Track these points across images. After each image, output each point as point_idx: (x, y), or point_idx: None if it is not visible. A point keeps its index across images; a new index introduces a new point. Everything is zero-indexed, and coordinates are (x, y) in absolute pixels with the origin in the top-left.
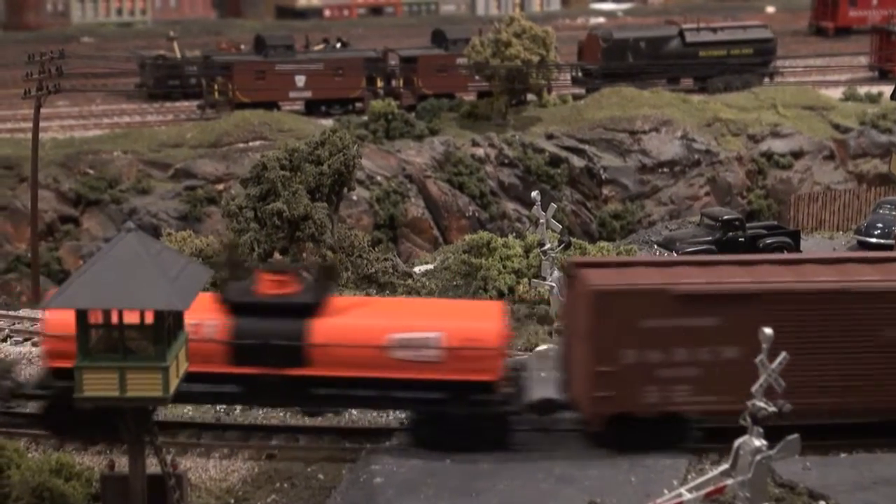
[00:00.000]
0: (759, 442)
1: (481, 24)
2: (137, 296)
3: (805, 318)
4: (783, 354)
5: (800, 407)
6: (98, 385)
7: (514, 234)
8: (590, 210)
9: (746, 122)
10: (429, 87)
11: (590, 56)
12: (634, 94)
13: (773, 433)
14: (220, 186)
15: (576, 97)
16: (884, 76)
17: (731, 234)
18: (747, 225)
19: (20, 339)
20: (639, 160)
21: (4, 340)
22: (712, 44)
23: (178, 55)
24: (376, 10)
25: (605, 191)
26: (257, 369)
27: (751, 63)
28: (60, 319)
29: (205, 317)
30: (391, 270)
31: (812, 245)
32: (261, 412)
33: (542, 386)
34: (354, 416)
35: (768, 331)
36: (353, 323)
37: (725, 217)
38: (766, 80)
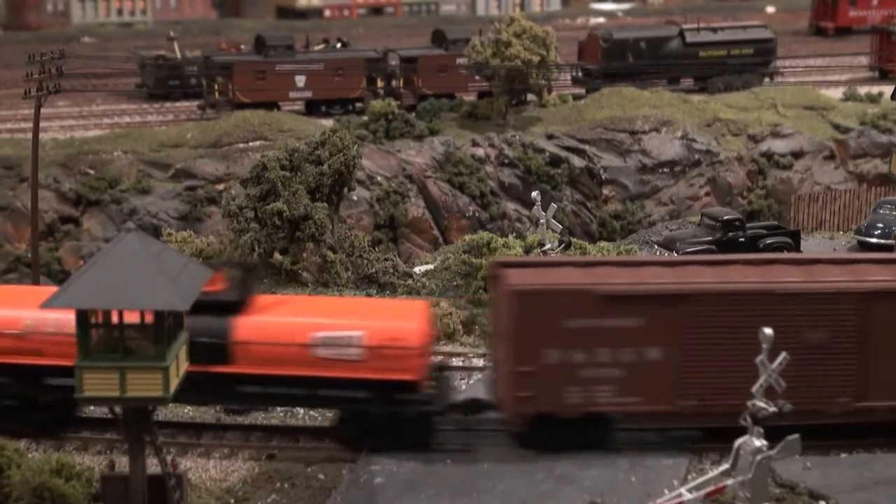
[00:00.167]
0: (759, 442)
1: (481, 25)
2: (138, 296)
3: (727, 320)
4: (783, 354)
5: (724, 409)
6: (98, 385)
7: (514, 235)
8: (590, 210)
9: (747, 123)
10: (429, 87)
11: (590, 56)
12: (635, 94)
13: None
14: (221, 186)
15: (576, 97)
16: (884, 76)
17: (731, 234)
18: (747, 225)
19: None
20: (639, 160)
21: None
22: (712, 44)
23: (179, 55)
24: (376, 11)
25: (606, 191)
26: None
27: (751, 63)
28: None
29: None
30: (391, 271)
31: (812, 245)
32: (261, 413)
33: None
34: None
35: (768, 331)
36: (276, 321)
37: (726, 217)
38: (767, 80)
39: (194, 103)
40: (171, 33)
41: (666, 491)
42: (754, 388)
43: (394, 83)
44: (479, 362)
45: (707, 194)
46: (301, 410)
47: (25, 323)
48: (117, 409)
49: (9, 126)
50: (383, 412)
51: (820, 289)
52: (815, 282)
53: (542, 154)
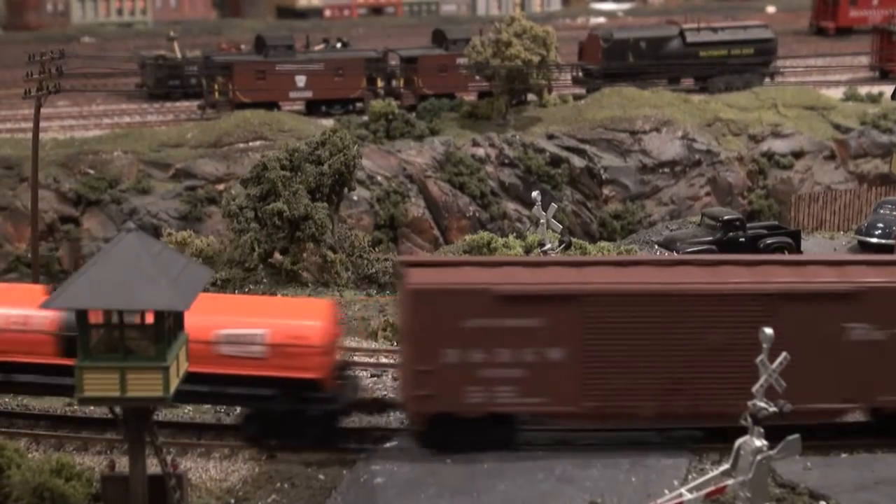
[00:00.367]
0: (759, 442)
1: (482, 24)
2: (138, 296)
3: (628, 321)
4: (784, 354)
5: (624, 411)
6: (99, 385)
7: (514, 235)
8: (590, 210)
9: (747, 123)
10: (429, 87)
11: (590, 56)
12: (635, 94)
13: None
14: (221, 186)
15: (576, 97)
16: (884, 76)
17: (731, 234)
18: (748, 225)
19: None
20: (639, 160)
21: None
22: (713, 44)
23: (179, 55)
24: (377, 11)
25: (606, 191)
26: None
27: (751, 63)
28: None
29: (35, 309)
30: (391, 270)
31: (813, 245)
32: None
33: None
34: (355, 417)
35: (769, 331)
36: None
37: (726, 217)
38: (767, 80)
39: (194, 103)
40: (172, 33)
41: (666, 491)
42: (754, 389)
43: (394, 83)
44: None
45: (707, 194)
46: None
47: None
48: (117, 410)
49: (9, 126)
50: (287, 410)
51: (722, 290)
52: (717, 283)
53: (542, 154)
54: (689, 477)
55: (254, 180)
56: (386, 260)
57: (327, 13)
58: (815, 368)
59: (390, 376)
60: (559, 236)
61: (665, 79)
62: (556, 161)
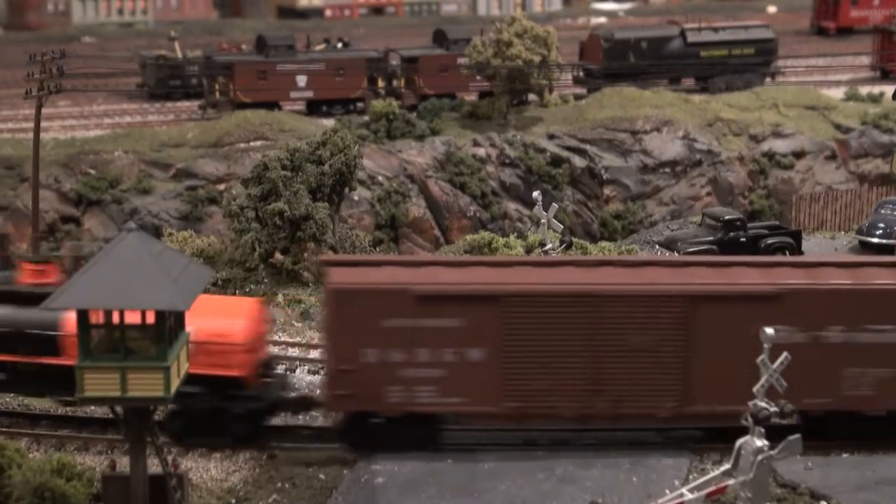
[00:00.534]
0: (760, 442)
1: (482, 24)
2: (139, 296)
3: (549, 321)
4: (784, 354)
5: (544, 411)
6: (99, 385)
7: (515, 235)
8: (591, 210)
9: (748, 122)
10: (430, 87)
11: (591, 56)
12: (636, 94)
13: None
14: (222, 186)
15: (577, 97)
16: (885, 76)
17: (732, 234)
18: (749, 225)
19: None
20: (640, 160)
21: None
22: (714, 44)
23: (180, 55)
24: (377, 10)
25: (607, 191)
26: (15, 357)
27: (752, 63)
28: None
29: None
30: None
31: (814, 245)
32: None
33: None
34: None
35: (770, 330)
36: None
37: (727, 217)
38: (768, 80)
39: (195, 103)
40: (172, 33)
41: (667, 491)
42: (755, 389)
43: (395, 83)
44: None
45: (708, 194)
46: None
47: None
48: (118, 409)
49: (10, 126)
50: (210, 407)
51: (641, 291)
52: (635, 284)
53: (543, 154)
54: (690, 477)
55: (254, 180)
56: None
57: (328, 13)
58: (737, 370)
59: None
60: (560, 236)
61: (666, 79)
62: (556, 161)
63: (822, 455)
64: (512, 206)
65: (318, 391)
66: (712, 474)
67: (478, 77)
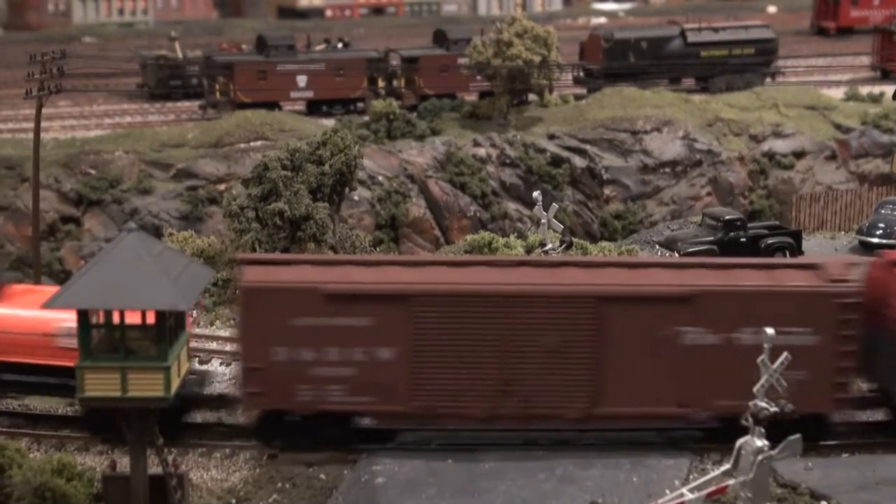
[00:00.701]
0: (760, 442)
1: (483, 24)
2: (139, 296)
3: (458, 322)
4: (785, 354)
5: (453, 411)
6: (100, 385)
7: (515, 235)
8: (591, 210)
9: (748, 122)
10: (430, 87)
11: (591, 56)
12: (636, 94)
13: None
14: (222, 186)
15: (577, 97)
16: (886, 76)
17: (732, 234)
18: (749, 225)
19: None
20: (640, 160)
21: None
22: (714, 44)
23: (180, 55)
24: (378, 11)
25: (607, 191)
26: None
27: (752, 63)
28: None
29: None
30: None
31: (814, 245)
32: None
33: None
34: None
35: (770, 331)
36: (22, 311)
37: (727, 217)
38: (768, 80)
39: (195, 103)
40: (173, 33)
41: (667, 491)
42: (755, 389)
43: (395, 83)
44: None
45: (708, 194)
46: None
47: None
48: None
49: (10, 126)
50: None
51: (549, 292)
52: (544, 285)
53: (543, 154)
54: (691, 477)
55: (255, 180)
56: None
57: (328, 13)
58: (647, 372)
59: None
60: (560, 236)
61: (666, 79)
62: (557, 161)
63: (823, 455)
64: (512, 207)
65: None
66: (712, 474)
67: (478, 77)
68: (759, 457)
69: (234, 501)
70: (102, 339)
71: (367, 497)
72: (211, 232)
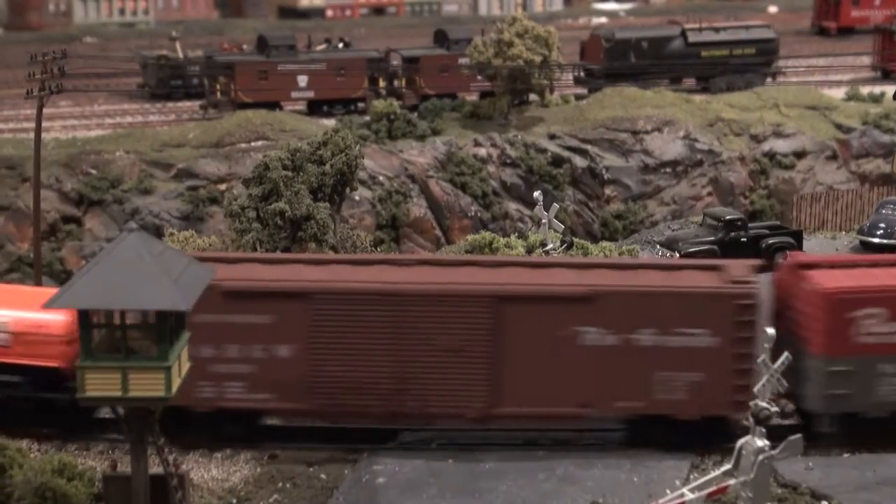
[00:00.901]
0: (761, 442)
1: (483, 24)
2: (140, 296)
3: (357, 320)
4: (785, 354)
5: (352, 409)
6: (101, 385)
7: (516, 235)
8: (592, 210)
9: (749, 122)
10: (431, 87)
11: (592, 56)
12: (637, 94)
13: None
14: (223, 186)
15: (578, 97)
16: (886, 76)
17: (733, 234)
18: (750, 225)
19: None
20: (641, 160)
21: None
22: (714, 44)
23: (181, 55)
24: (378, 11)
25: (608, 191)
26: None
27: (753, 63)
28: None
29: None
30: None
31: (815, 245)
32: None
33: None
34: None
35: (770, 331)
36: None
37: (728, 217)
38: (769, 80)
39: (196, 103)
40: (173, 33)
41: (668, 491)
42: (756, 388)
43: (396, 83)
44: None
45: (709, 194)
46: None
47: None
48: (119, 409)
49: (11, 126)
50: (31, 397)
51: (446, 291)
52: (442, 284)
53: (544, 154)
54: (691, 477)
55: (255, 180)
56: None
57: (329, 13)
58: (547, 372)
59: None
60: (561, 236)
61: (667, 79)
62: (557, 161)
63: (823, 455)
64: (513, 206)
65: None
66: (713, 474)
67: (479, 77)
68: (760, 457)
69: (234, 501)
70: (103, 338)
71: (368, 497)
72: (212, 232)
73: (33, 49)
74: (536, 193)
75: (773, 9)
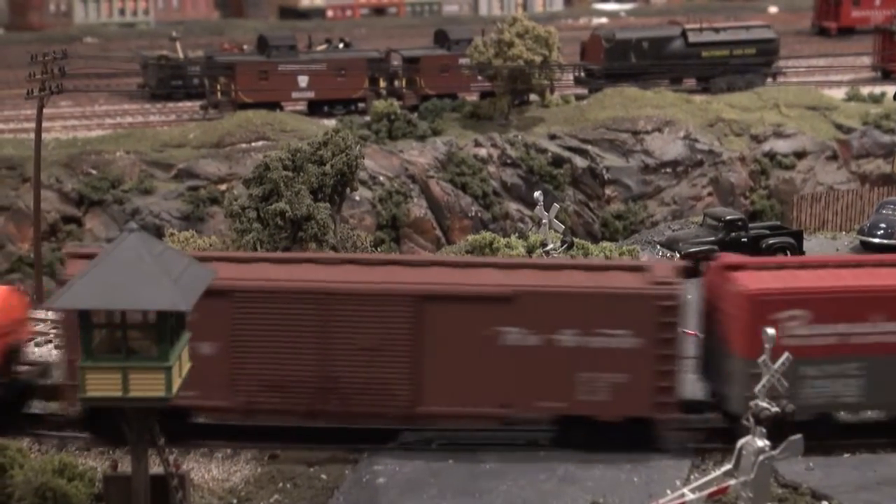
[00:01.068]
0: (762, 442)
1: (484, 25)
2: (140, 296)
3: (279, 318)
4: (786, 355)
5: (274, 407)
6: (101, 385)
7: (516, 235)
8: (592, 210)
9: (749, 123)
10: (431, 87)
11: (592, 56)
12: (637, 94)
13: None
14: (223, 187)
15: (578, 97)
16: (887, 76)
17: (733, 234)
18: (750, 225)
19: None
20: (641, 160)
21: None
22: (715, 44)
23: (181, 55)
24: (379, 11)
25: (608, 191)
26: None
27: (753, 63)
28: None
29: None
30: None
31: (815, 245)
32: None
33: None
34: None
35: (771, 331)
36: None
37: (728, 217)
38: (769, 80)
39: (197, 103)
40: (174, 33)
41: (668, 491)
42: (756, 389)
43: (396, 83)
44: None
45: (709, 194)
46: None
47: None
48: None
49: (11, 126)
50: None
51: (367, 290)
52: (367, 283)
53: (544, 154)
54: (692, 477)
55: (256, 180)
56: None
57: (329, 13)
58: (469, 372)
59: None
60: (561, 236)
61: (667, 79)
62: (558, 161)
63: (824, 455)
64: (513, 207)
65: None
66: (714, 474)
67: (479, 77)
68: (761, 457)
69: (235, 501)
70: (103, 338)
71: (369, 497)
72: (212, 232)
73: (34, 49)
74: (537, 194)
75: (773, 9)
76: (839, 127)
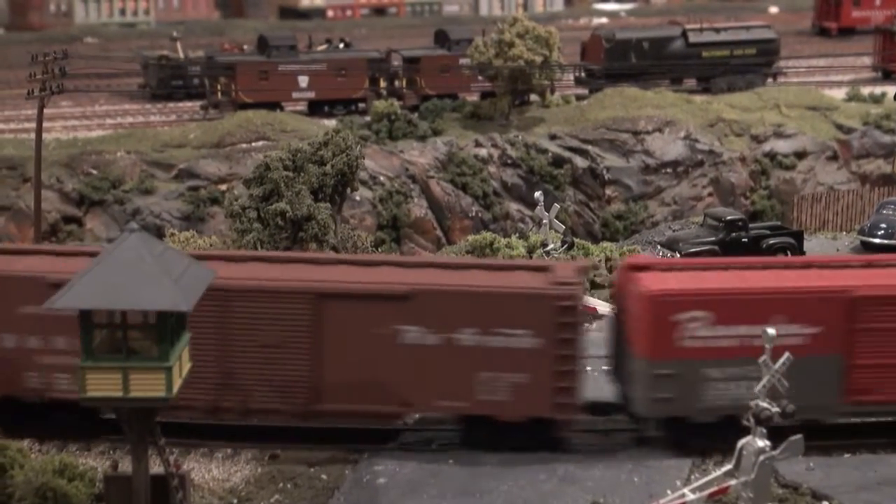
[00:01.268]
0: (762, 442)
1: (484, 25)
2: (141, 296)
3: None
4: (786, 355)
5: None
6: (101, 385)
7: (517, 235)
8: (593, 210)
9: (750, 123)
10: (432, 87)
11: (593, 56)
12: (637, 94)
13: None
14: (223, 187)
15: (579, 97)
16: (887, 76)
17: (734, 234)
18: (750, 225)
19: None
20: (642, 160)
21: None
22: (715, 44)
23: (181, 55)
24: (379, 11)
25: (609, 191)
26: None
27: (754, 63)
28: None
29: None
30: None
31: (815, 246)
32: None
33: None
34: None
35: (771, 330)
36: None
37: (729, 217)
38: (770, 80)
39: (197, 104)
40: (174, 33)
41: (669, 491)
42: (757, 389)
43: (396, 83)
44: None
45: (710, 195)
46: None
47: None
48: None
49: (12, 126)
50: None
51: (269, 287)
52: (265, 280)
53: (544, 154)
54: (692, 477)
55: (256, 180)
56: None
57: (330, 14)
58: (368, 370)
59: None
60: (562, 237)
61: (667, 79)
62: (558, 161)
63: (824, 455)
64: (514, 207)
65: None
66: (714, 475)
67: (479, 77)
68: (761, 457)
69: (235, 501)
70: (104, 338)
71: (369, 497)
72: (213, 232)
73: (34, 49)
74: (537, 194)
75: (773, 9)
76: (839, 127)
